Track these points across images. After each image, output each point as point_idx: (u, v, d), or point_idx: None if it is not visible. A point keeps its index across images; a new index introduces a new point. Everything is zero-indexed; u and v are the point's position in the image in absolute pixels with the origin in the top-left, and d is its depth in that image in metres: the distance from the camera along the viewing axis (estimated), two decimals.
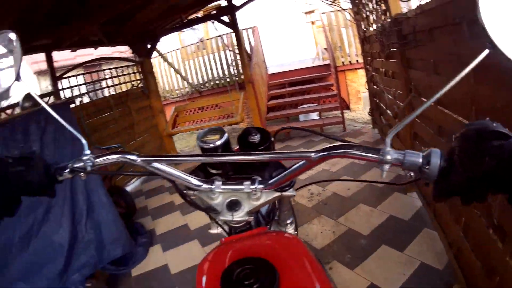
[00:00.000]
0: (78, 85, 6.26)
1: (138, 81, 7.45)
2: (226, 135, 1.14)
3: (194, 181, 1.05)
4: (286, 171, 0.99)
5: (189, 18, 7.52)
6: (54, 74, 5.75)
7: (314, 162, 0.89)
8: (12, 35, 0.99)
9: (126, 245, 3.62)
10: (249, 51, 8.64)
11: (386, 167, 0.77)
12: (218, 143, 1.10)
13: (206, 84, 10.02)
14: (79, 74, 6.38)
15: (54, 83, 5.73)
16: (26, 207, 3.07)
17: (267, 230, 1.18)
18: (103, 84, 6.98)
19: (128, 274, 3.69)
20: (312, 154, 0.87)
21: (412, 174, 0.75)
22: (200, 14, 7.32)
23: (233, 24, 7.08)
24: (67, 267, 3.14)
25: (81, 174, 1.01)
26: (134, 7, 4.95)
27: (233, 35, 7.67)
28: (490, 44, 0.63)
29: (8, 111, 4.32)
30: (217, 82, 9.82)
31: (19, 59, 0.97)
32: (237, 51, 7.94)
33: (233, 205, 1.02)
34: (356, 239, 3.30)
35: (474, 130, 0.66)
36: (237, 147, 1.22)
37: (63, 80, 5.82)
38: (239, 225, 1.09)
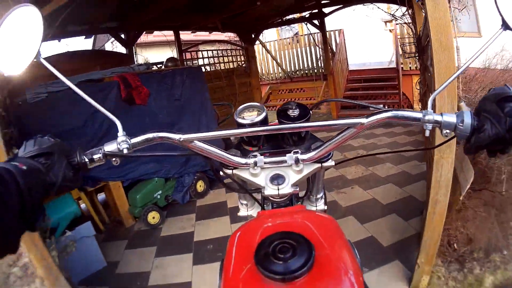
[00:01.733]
0: (197, 58, 8.15)
1: (243, 62, 9.13)
2: (265, 111, 1.11)
3: (237, 158, 1.04)
4: (333, 139, 0.99)
5: (287, 18, 9.03)
6: (180, 47, 7.67)
7: (364, 128, 0.92)
8: (34, 10, 0.91)
9: None
10: (334, 49, 9.82)
11: (429, 126, 0.87)
12: (257, 119, 1.08)
13: (297, 72, 11.27)
14: (199, 50, 8.23)
15: (180, 54, 7.60)
16: (165, 125, 4.55)
17: (304, 208, 1.13)
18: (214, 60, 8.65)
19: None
20: (363, 120, 0.91)
21: (448, 131, 0.86)
22: (296, 15, 8.80)
23: (321, 27, 8.60)
24: (187, 163, 4.64)
25: (114, 159, 0.96)
26: (247, 8, 6.66)
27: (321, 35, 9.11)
28: (504, 24, 0.82)
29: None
30: (306, 71, 11.05)
31: (41, 36, 0.89)
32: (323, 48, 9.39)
33: (277, 179, 1.01)
34: (374, 178, 4.73)
35: (494, 94, 0.79)
36: (275, 122, 1.12)
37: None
38: (282, 199, 1.08)
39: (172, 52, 7.77)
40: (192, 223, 4.14)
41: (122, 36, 6.77)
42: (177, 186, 4.58)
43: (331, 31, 9.83)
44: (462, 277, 2.77)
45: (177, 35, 7.65)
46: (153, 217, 4.11)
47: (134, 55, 6.90)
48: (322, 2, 8.00)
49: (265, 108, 1.12)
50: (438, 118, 0.85)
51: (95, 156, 0.93)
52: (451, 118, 0.84)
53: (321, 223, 0.95)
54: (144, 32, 7.32)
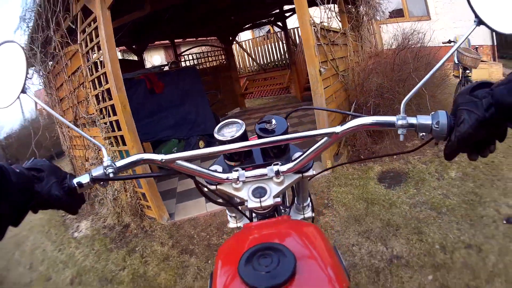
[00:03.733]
0: (188, 60, 10.27)
1: (224, 60, 11.14)
2: (243, 127, 1.12)
3: (219, 174, 1.05)
4: (310, 150, 1.00)
5: (258, 22, 11.00)
6: (176, 51, 9.99)
7: (338, 137, 0.94)
8: (16, 46, 0.99)
9: (212, 128, 7.29)
10: (297, 43, 11.63)
11: (404, 131, 0.86)
12: (237, 134, 1.08)
13: (268, 64, 13.23)
14: (189, 54, 10.30)
15: (176, 57, 9.83)
16: (176, 106, 6.67)
17: (289, 219, 1.12)
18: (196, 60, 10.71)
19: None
20: (336, 130, 0.92)
21: (424, 134, 0.85)
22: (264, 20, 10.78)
23: (283, 27, 10.59)
24: (191, 129, 6.81)
25: (102, 183, 0.99)
26: (225, 20, 8.89)
27: (283, 33, 11.10)
28: (477, 19, 0.80)
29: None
30: (276, 63, 13.04)
31: (25, 71, 0.97)
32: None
33: (259, 192, 1.02)
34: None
35: (466, 88, 0.79)
36: (254, 136, 1.16)
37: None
38: (266, 211, 1.09)
39: (164, 55, 9.90)
40: (198, 163, 6.18)
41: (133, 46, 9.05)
42: (186, 144, 6.70)
43: (295, 28, 11.44)
44: (359, 167, 4.53)
45: (173, 43, 9.96)
46: None
47: (144, 60, 9.20)
48: (284, 9, 9.97)
49: (243, 123, 1.13)
50: (412, 121, 0.85)
51: (83, 181, 0.96)
52: (426, 120, 0.84)
53: (304, 232, 0.97)
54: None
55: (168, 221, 4.30)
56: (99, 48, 3.86)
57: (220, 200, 1.17)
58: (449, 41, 5.70)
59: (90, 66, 4.14)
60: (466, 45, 5.39)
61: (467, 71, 5.42)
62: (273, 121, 1.09)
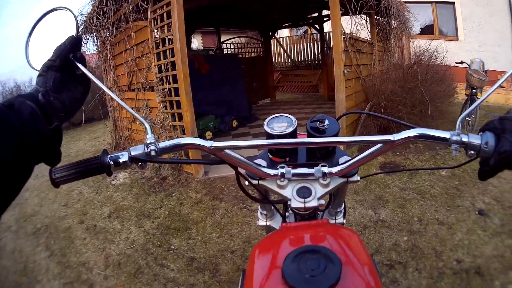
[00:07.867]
0: (230, 48, 11.13)
1: (261, 52, 11.96)
2: (295, 124, 1.06)
3: (266, 170, 0.99)
4: (362, 155, 0.94)
5: (297, 22, 11.81)
6: (220, 38, 10.84)
7: (393, 145, 0.89)
8: (69, 15, 0.94)
9: (247, 112, 8.27)
10: (331, 46, 11.99)
11: (457, 147, 0.84)
12: (288, 130, 1.03)
13: (302, 62, 13.95)
14: (232, 43, 11.15)
15: (219, 44, 10.69)
16: (217, 87, 7.48)
17: (328, 222, 1.05)
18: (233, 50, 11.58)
19: (247, 126, 8.17)
20: (393, 138, 0.86)
21: (473, 152, 0.83)
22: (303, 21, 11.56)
23: (319, 29, 11.29)
24: (228, 109, 7.68)
25: (140, 164, 0.91)
26: (269, 16, 9.70)
27: (319, 35, 11.82)
28: None
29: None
30: (309, 62, 13.74)
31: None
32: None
33: (303, 192, 0.97)
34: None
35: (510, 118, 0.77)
36: (303, 134, 1.12)
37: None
38: (306, 212, 1.05)
39: (202, 40, 10.78)
40: (230, 139, 7.04)
41: None
42: (221, 121, 7.56)
43: (330, 32, 11.32)
44: None
45: (218, 31, 10.82)
46: (208, 134, 7.06)
47: (191, 43, 10.11)
48: (323, 13, 10.67)
49: (295, 121, 1.07)
50: (464, 139, 0.83)
51: (121, 160, 0.90)
52: (476, 140, 0.82)
53: (345, 238, 0.94)
54: None
55: (203, 177, 5.06)
56: (168, 27, 4.71)
57: (257, 196, 1.13)
58: (461, 62, 6.16)
59: (157, 41, 4.95)
60: (480, 67, 5.72)
61: (474, 91, 5.76)
62: (326, 121, 1.04)
